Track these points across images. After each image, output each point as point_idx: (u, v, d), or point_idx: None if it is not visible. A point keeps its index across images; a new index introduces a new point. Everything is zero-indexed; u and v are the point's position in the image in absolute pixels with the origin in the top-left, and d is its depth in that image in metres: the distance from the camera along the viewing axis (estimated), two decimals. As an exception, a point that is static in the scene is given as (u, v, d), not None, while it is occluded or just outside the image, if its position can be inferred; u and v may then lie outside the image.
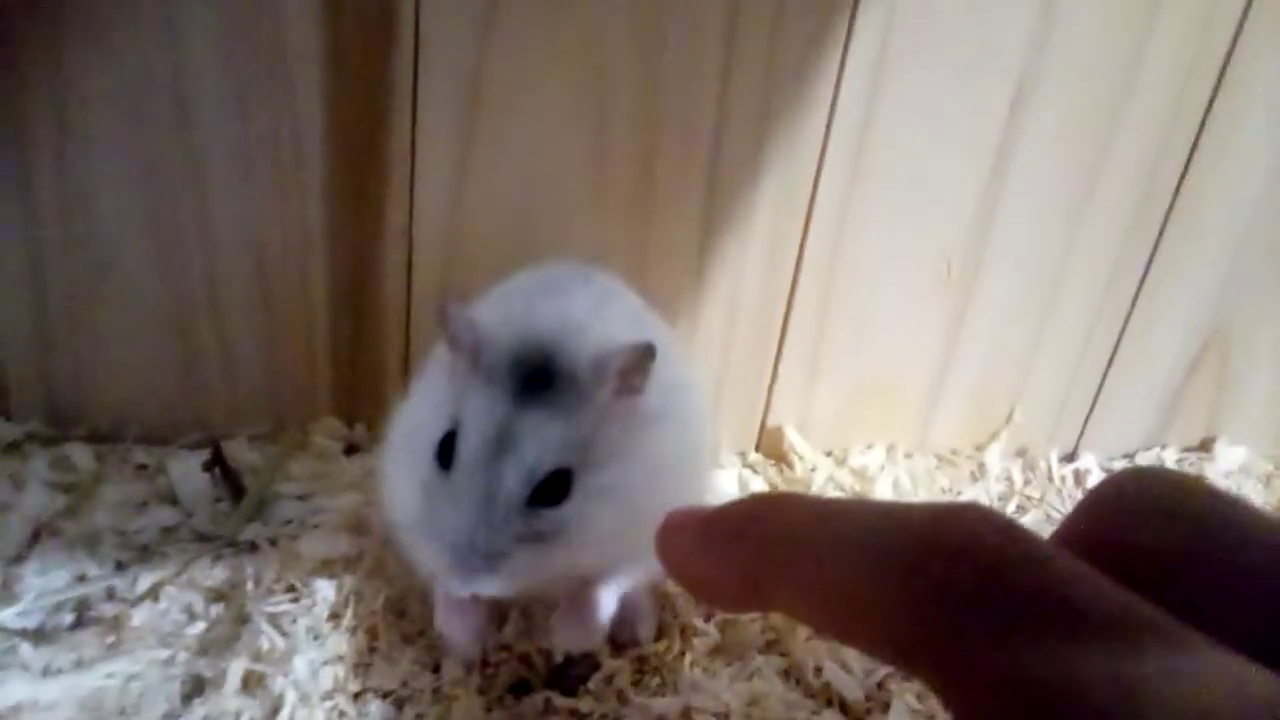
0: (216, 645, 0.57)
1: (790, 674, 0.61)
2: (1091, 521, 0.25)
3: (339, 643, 0.58)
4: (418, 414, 0.51)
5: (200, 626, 0.58)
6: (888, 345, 0.80)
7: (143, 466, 0.71)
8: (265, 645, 0.56)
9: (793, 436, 0.81)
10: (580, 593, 0.53)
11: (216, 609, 0.60)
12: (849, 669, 0.61)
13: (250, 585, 0.60)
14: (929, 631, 0.20)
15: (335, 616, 0.60)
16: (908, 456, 0.84)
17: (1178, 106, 0.74)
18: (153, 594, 0.60)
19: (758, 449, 0.83)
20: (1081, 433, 0.88)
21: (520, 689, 0.57)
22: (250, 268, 0.69)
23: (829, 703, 0.59)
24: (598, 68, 0.66)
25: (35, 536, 0.63)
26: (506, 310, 0.51)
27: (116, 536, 0.64)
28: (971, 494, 0.82)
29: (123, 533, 0.65)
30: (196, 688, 0.54)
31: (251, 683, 0.55)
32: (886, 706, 0.59)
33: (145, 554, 0.63)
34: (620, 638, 0.61)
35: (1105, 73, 0.72)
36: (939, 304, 0.79)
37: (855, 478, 0.80)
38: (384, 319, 0.73)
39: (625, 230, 0.71)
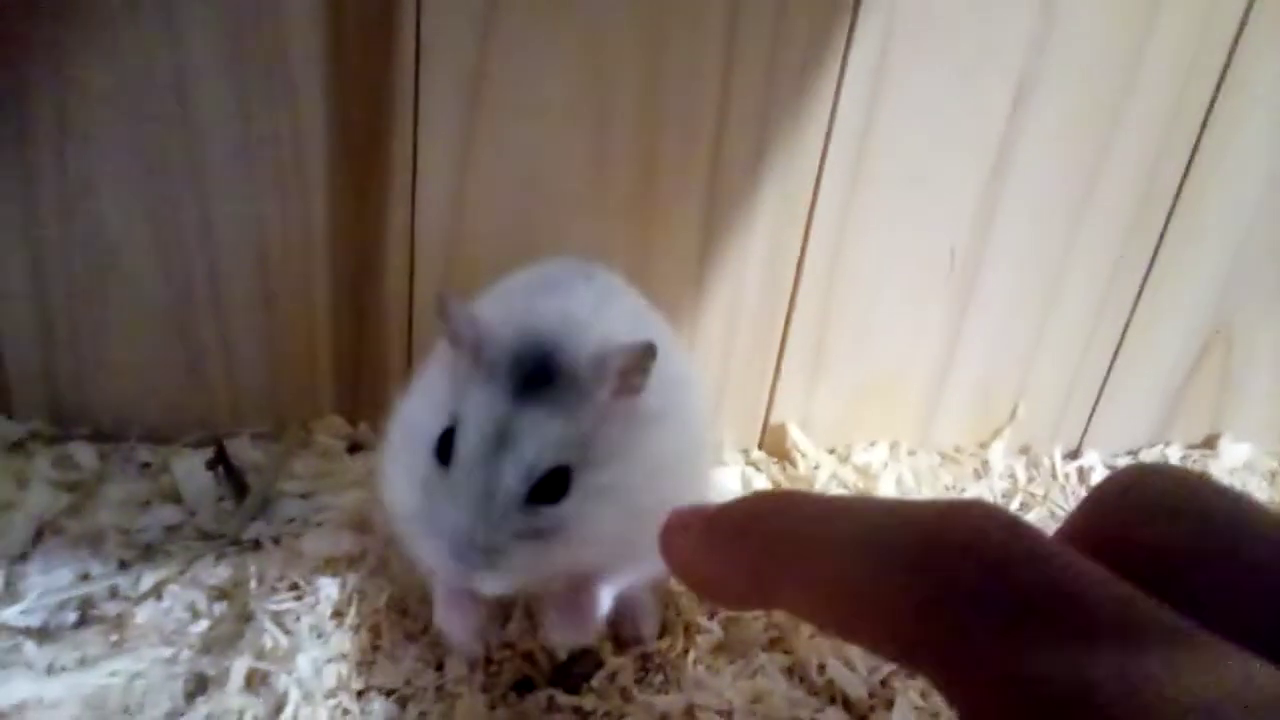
0: (220, 643, 0.57)
1: (794, 672, 0.61)
2: (1095, 518, 0.25)
3: (342, 641, 0.58)
4: (417, 410, 0.51)
5: (204, 625, 0.58)
6: (891, 342, 0.80)
7: (146, 465, 0.71)
8: (268, 643, 0.56)
9: (795, 434, 0.81)
10: (576, 588, 0.53)
11: (220, 607, 0.60)
12: (852, 667, 0.61)
13: (253, 583, 0.60)
14: (932, 628, 0.20)
15: (338, 614, 0.60)
16: (911, 454, 0.84)
17: (1179, 105, 0.74)
18: (156, 592, 0.60)
19: (760, 446, 0.83)
20: (1085, 430, 0.88)
21: (524, 687, 0.57)
22: (252, 266, 0.69)
23: (832, 700, 0.59)
24: (599, 68, 0.66)
25: (39, 535, 0.63)
26: (507, 307, 0.51)
27: (120, 535, 0.64)
28: (975, 491, 0.82)
29: (126, 531, 0.65)
30: (200, 686, 0.54)
31: (255, 681, 0.55)
32: (890, 704, 0.59)
33: (149, 552, 0.63)
34: (623, 635, 0.61)
35: (1106, 72, 0.72)
36: (942, 301, 0.79)
37: (858, 475, 0.80)
38: (386, 317, 0.73)
39: (627, 229, 0.71)
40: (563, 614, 0.54)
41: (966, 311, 0.80)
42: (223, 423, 0.73)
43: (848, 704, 0.59)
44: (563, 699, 0.56)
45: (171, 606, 0.60)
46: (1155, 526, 0.23)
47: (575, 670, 0.58)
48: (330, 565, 0.63)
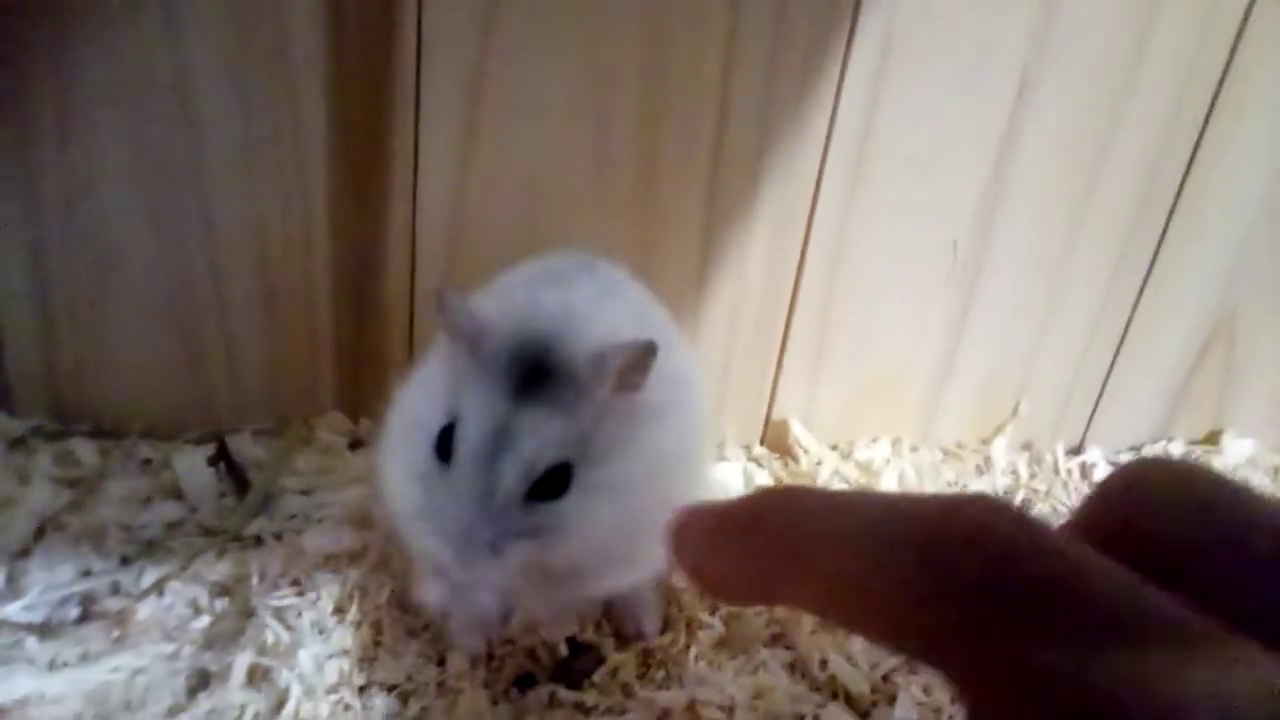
0: (221, 639, 0.57)
1: (796, 667, 0.61)
2: (1101, 512, 0.24)
3: (344, 637, 0.58)
4: (416, 404, 0.51)
5: (205, 621, 0.59)
6: (892, 338, 0.80)
7: (147, 461, 0.71)
8: (270, 639, 0.56)
9: (798, 430, 0.81)
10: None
11: (221, 603, 0.60)
12: (855, 662, 0.61)
13: (255, 580, 0.60)
14: (937, 622, 0.19)
15: (340, 610, 0.60)
16: (913, 450, 0.84)
17: (1180, 103, 0.74)
18: (158, 588, 0.60)
19: (763, 442, 0.83)
20: (1087, 426, 0.88)
21: (525, 682, 0.57)
22: (253, 264, 0.69)
23: (834, 696, 0.59)
24: (599, 67, 0.66)
25: (40, 531, 0.63)
26: (508, 301, 0.51)
27: (121, 531, 0.64)
28: (977, 487, 0.82)
29: (128, 528, 0.65)
30: (202, 681, 0.55)
31: (256, 676, 0.55)
32: (893, 699, 0.59)
33: (150, 549, 0.63)
34: (625, 631, 0.61)
35: (1107, 71, 0.72)
36: (943, 297, 0.79)
37: (860, 471, 0.80)
38: (388, 314, 0.73)
39: (628, 226, 0.71)
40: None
41: (968, 308, 0.79)
42: (224, 419, 0.73)
43: (850, 699, 0.59)
44: (564, 694, 0.56)
45: (173, 602, 0.60)
46: (1160, 520, 0.22)
47: (577, 666, 0.58)
48: (332, 561, 0.63)
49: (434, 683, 0.56)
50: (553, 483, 0.46)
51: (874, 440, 0.84)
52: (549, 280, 0.54)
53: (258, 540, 0.65)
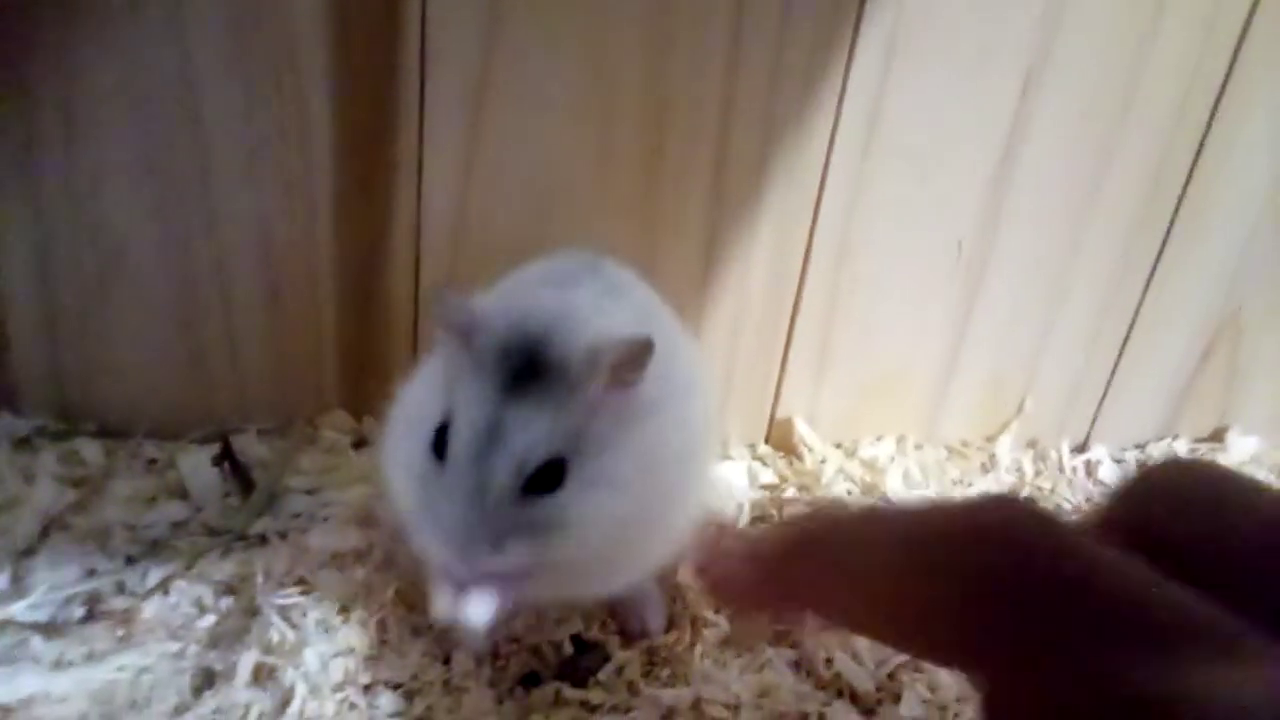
0: (227, 638, 0.57)
1: (801, 665, 0.61)
2: (1123, 512, 0.24)
3: (349, 635, 0.58)
4: (415, 402, 0.51)
5: (210, 620, 0.59)
6: (897, 336, 0.80)
7: (152, 461, 0.71)
8: (275, 638, 0.56)
9: (802, 428, 0.81)
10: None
11: (226, 602, 0.60)
12: (860, 660, 0.61)
13: (260, 579, 0.60)
14: (964, 623, 0.19)
15: (345, 609, 0.60)
16: (918, 448, 0.84)
17: (1185, 101, 0.74)
18: (163, 588, 0.60)
19: (767, 441, 0.82)
20: (1093, 424, 0.88)
21: (530, 681, 0.57)
22: (258, 263, 0.69)
23: (840, 694, 0.59)
24: (603, 67, 0.66)
25: (45, 531, 0.63)
26: (510, 301, 0.51)
27: (126, 531, 0.64)
28: (982, 485, 0.81)
29: (133, 527, 0.65)
30: (207, 680, 0.55)
31: (262, 675, 0.55)
32: (898, 698, 0.59)
33: (155, 548, 0.63)
34: (630, 629, 0.61)
35: (1112, 70, 0.72)
36: (949, 295, 0.78)
37: (865, 469, 0.80)
38: (392, 313, 0.73)
39: (633, 225, 0.71)
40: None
41: (973, 305, 0.79)
42: (229, 419, 0.74)
43: (855, 697, 0.59)
44: (570, 693, 0.56)
45: (178, 602, 0.60)
46: (1179, 520, 0.22)
47: (582, 664, 0.58)
48: (337, 560, 0.63)
49: (439, 681, 0.56)
50: (547, 478, 0.46)
51: (878, 438, 0.84)
52: (552, 281, 0.54)
53: (262, 539, 0.65)
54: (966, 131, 0.72)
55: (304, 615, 0.58)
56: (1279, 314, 0.86)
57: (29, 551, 0.62)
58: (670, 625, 0.62)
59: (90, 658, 0.55)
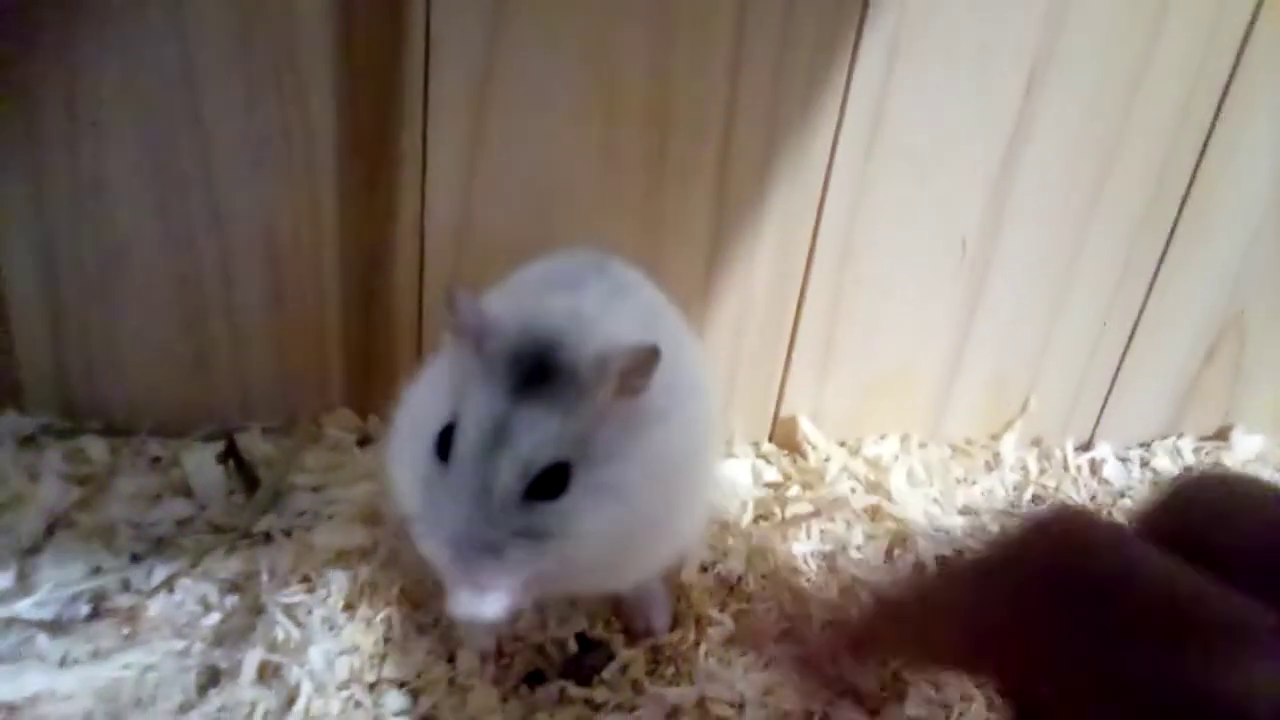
0: (232, 636, 0.57)
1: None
2: (1163, 517, 0.25)
3: (354, 633, 0.58)
4: (421, 404, 0.51)
5: (215, 618, 0.59)
6: (901, 334, 0.80)
7: (157, 459, 0.71)
8: (280, 636, 0.56)
9: (806, 426, 0.81)
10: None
11: (231, 600, 0.60)
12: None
13: (265, 576, 0.60)
14: (1025, 632, 0.20)
15: (350, 607, 0.60)
16: (922, 446, 0.84)
17: (1188, 102, 0.74)
18: (168, 585, 0.60)
19: (771, 439, 0.82)
20: (1097, 422, 0.88)
21: (535, 679, 0.57)
22: (262, 260, 0.69)
23: (844, 692, 0.59)
24: (607, 65, 0.66)
25: (50, 529, 0.63)
26: (517, 302, 0.51)
27: (131, 529, 0.64)
28: (986, 484, 0.81)
29: (138, 525, 0.65)
30: (212, 678, 0.55)
31: (267, 673, 0.55)
32: (903, 696, 0.59)
33: (160, 546, 0.63)
34: (635, 627, 0.61)
35: (1116, 70, 0.72)
36: (952, 294, 0.78)
37: (869, 468, 0.80)
38: (396, 311, 0.73)
39: (636, 222, 0.71)
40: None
41: (977, 304, 0.79)
42: (233, 417, 0.74)
43: (859, 696, 0.58)
44: (574, 691, 0.56)
45: (183, 599, 0.60)
46: (1214, 530, 0.23)
47: (587, 662, 0.58)
48: (342, 558, 0.63)
49: (444, 679, 0.56)
50: (551, 482, 0.45)
51: (882, 437, 0.84)
52: (560, 281, 0.54)
53: (267, 537, 0.65)
54: (970, 131, 0.72)
55: (309, 613, 0.58)
56: (1283, 313, 0.86)
57: (34, 549, 0.62)
58: (675, 624, 0.62)
59: (96, 655, 0.55)
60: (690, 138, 0.69)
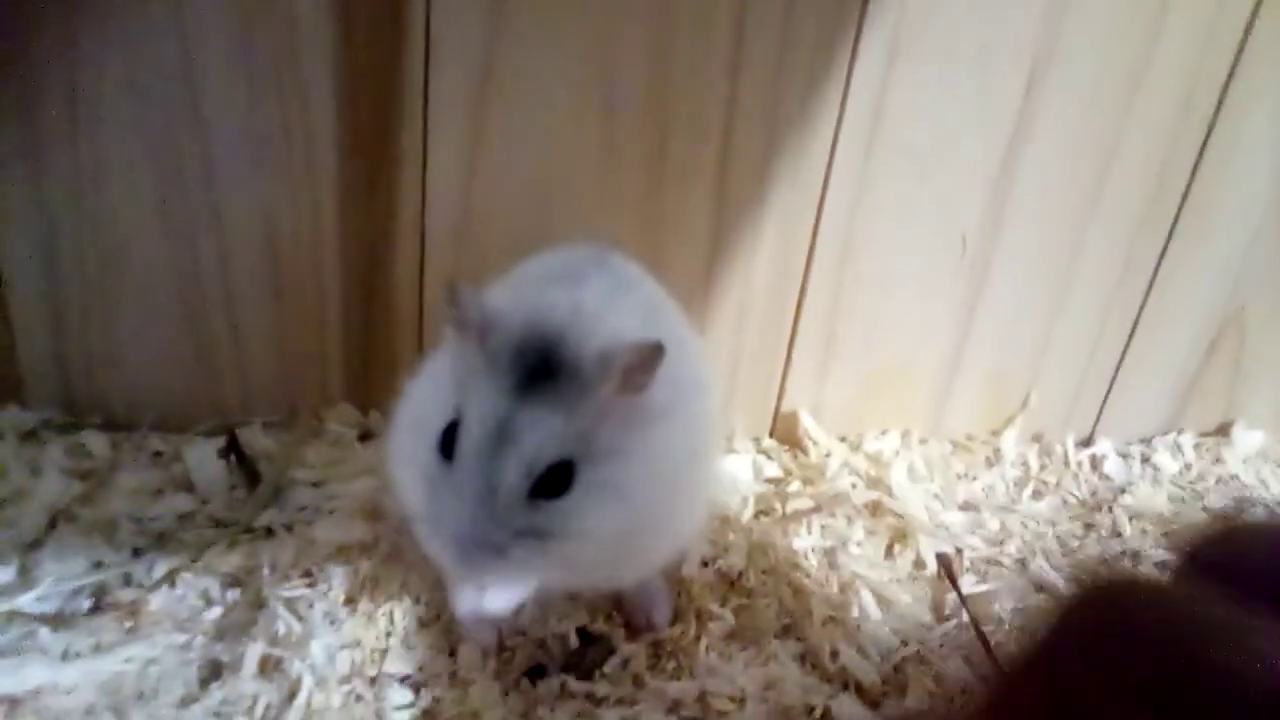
0: (233, 630, 0.57)
1: (806, 658, 0.61)
2: (1216, 557, 0.25)
3: (355, 628, 0.58)
4: (423, 400, 0.51)
5: (217, 612, 0.59)
6: (902, 330, 0.80)
7: (158, 454, 0.71)
8: (282, 630, 0.56)
9: (807, 422, 0.81)
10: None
11: (233, 594, 0.60)
12: (865, 653, 0.61)
13: (266, 571, 0.60)
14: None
15: (351, 601, 0.60)
16: (922, 442, 0.84)
17: (1188, 100, 0.74)
18: (169, 579, 0.60)
19: (772, 434, 0.82)
20: (1098, 418, 0.88)
21: (536, 673, 0.57)
22: (262, 255, 0.70)
23: (845, 686, 0.59)
24: (607, 63, 0.66)
25: (52, 523, 0.63)
26: (519, 296, 0.51)
27: (133, 523, 0.64)
28: (987, 480, 0.81)
29: (139, 519, 0.65)
30: (214, 672, 0.55)
31: (269, 667, 0.55)
32: (904, 690, 0.59)
33: (162, 540, 0.63)
34: (636, 622, 0.61)
35: (1116, 68, 0.72)
36: (953, 289, 0.78)
37: (870, 463, 0.80)
38: (397, 306, 0.73)
39: (637, 221, 0.71)
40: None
41: (978, 300, 0.79)
42: (234, 411, 0.74)
43: (860, 690, 0.59)
44: (575, 685, 0.56)
45: (185, 594, 0.60)
46: (1255, 562, 0.23)
47: (588, 657, 0.58)
48: (343, 552, 0.63)
49: (446, 674, 0.56)
50: (556, 480, 0.45)
51: (883, 432, 0.84)
52: (560, 276, 0.53)
53: (268, 532, 0.65)
54: (970, 130, 0.72)
55: (310, 607, 0.59)
56: (1284, 310, 0.86)
57: (36, 544, 0.62)
58: (676, 618, 0.62)
59: (97, 649, 0.55)
60: (690, 137, 0.69)
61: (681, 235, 0.72)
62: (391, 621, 0.59)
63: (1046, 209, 0.77)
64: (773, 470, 0.78)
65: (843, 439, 0.82)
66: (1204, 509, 0.81)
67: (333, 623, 0.58)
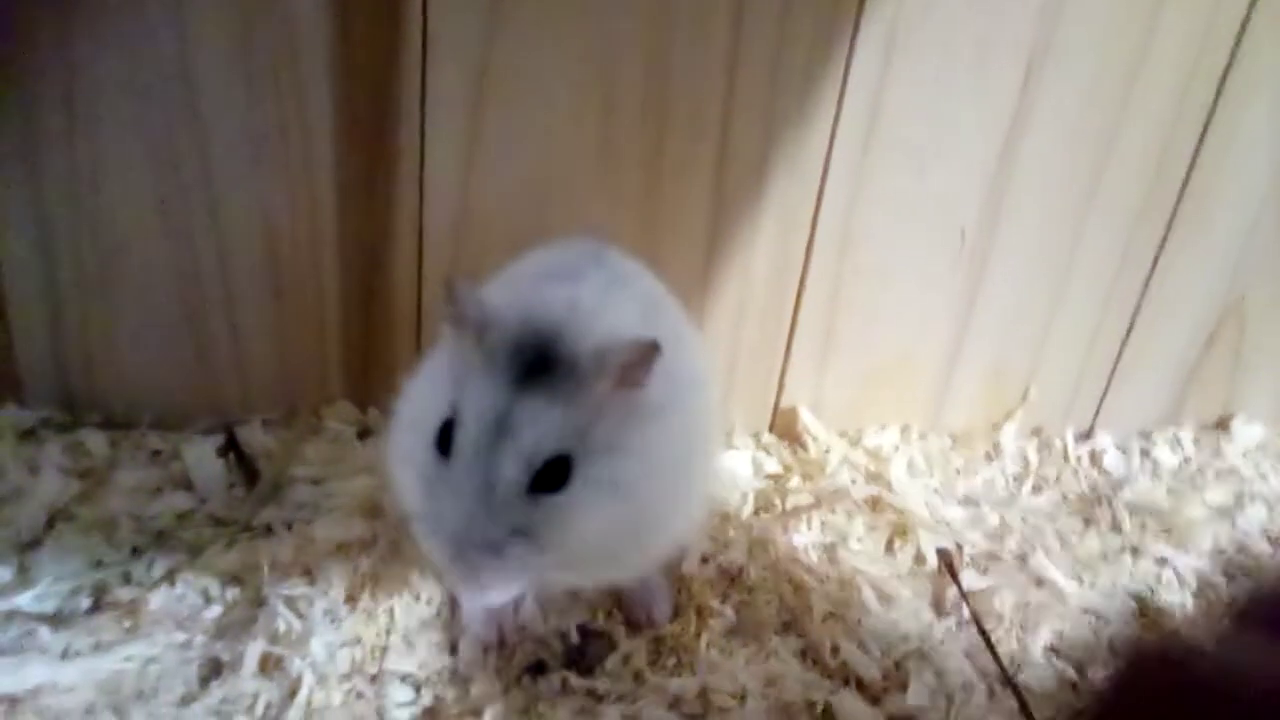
0: (233, 628, 0.57)
1: (807, 654, 0.61)
2: (1268, 609, 0.25)
3: (355, 625, 0.58)
4: (420, 397, 0.51)
5: (217, 610, 0.59)
6: (900, 325, 0.80)
7: (157, 452, 0.71)
8: (282, 628, 0.56)
9: (806, 417, 0.81)
10: None
11: (232, 593, 0.60)
12: (866, 648, 0.61)
13: (266, 569, 0.60)
14: None
15: (351, 599, 0.60)
16: (922, 437, 0.84)
17: (1187, 90, 0.74)
18: (169, 578, 0.60)
19: (771, 430, 0.82)
20: (1097, 412, 0.88)
21: (537, 670, 0.57)
22: (261, 254, 0.69)
23: (846, 682, 0.59)
24: (605, 60, 0.66)
25: (51, 522, 0.63)
26: (516, 292, 0.51)
27: (132, 522, 0.64)
28: (987, 474, 0.81)
29: (138, 518, 0.65)
30: (214, 670, 0.55)
31: (269, 665, 0.55)
32: (904, 685, 0.59)
33: (161, 539, 0.63)
34: (636, 619, 0.61)
35: (1114, 55, 0.72)
36: (952, 284, 0.78)
37: (869, 458, 0.80)
38: (396, 303, 0.73)
39: (635, 218, 0.71)
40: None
41: (977, 294, 0.79)
42: (233, 410, 0.74)
43: (861, 686, 0.59)
44: (576, 681, 0.56)
45: (184, 592, 0.60)
46: None
47: (588, 653, 0.58)
48: (343, 550, 0.63)
49: (446, 671, 0.56)
50: (553, 475, 0.45)
51: (883, 427, 0.84)
52: (557, 272, 0.53)
53: (268, 530, 0.65)
54: (968, 123, 0.72)
55: (310, 605, 0.58)
56: (1283, 303, 0.86)
57: (34, 543, 0.62)
58: (676, 614, 0.62)
59: (97, 648, 0.55)
60: (688, 134, 0.69)
61: (680, 232, 0.72)
62: (392, 619, 0.59)
63: (1045, 201, 0.76)
64: (772, 466, 0.78)
65: (842, 434, 0.82)
66: (1204, 503, 0.81)
67: (333, 620, 0.58)
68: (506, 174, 0.69)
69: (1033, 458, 0.84)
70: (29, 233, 0.66)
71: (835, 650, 0.60)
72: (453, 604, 0.60)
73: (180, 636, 0.56)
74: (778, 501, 0.74)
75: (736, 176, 0.71)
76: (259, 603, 0.59)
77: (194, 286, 0.70)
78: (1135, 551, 0.75)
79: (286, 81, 0.64)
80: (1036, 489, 0.81)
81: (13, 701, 0.51)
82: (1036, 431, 0.87)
